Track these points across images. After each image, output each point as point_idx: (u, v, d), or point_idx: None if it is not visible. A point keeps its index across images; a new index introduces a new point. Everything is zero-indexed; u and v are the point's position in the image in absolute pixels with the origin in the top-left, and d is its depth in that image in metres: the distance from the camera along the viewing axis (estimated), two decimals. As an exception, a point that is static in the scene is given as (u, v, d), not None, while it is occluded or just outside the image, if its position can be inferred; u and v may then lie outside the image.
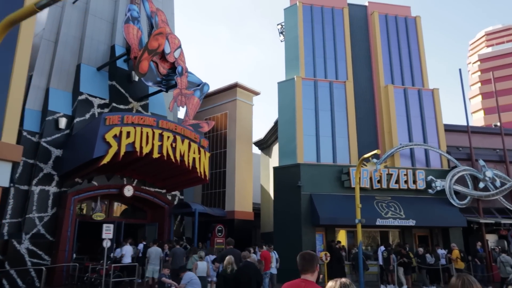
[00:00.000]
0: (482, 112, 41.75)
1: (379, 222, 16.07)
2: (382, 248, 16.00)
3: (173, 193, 18.78)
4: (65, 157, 15.05)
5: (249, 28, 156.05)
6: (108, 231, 11.97)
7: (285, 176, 17.62)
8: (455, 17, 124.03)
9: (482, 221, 17.48)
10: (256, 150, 28.04)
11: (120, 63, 17.64)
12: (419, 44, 21.41)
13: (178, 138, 15.11)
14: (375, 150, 14.29)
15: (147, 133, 14.01)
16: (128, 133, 13.55)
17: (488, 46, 45.87)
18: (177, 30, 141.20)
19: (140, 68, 15.36)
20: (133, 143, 13.58)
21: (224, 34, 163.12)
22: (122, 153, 13.27)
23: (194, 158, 15.62)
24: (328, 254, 13.29)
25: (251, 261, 6.71)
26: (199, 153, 15.93)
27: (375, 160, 17.47)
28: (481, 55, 44.68)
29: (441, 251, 16.43)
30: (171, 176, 17.11)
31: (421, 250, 15.36)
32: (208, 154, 16.52)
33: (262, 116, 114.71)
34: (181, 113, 19.50)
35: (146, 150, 13.84)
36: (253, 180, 26.21)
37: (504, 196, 18.63)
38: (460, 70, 20.80)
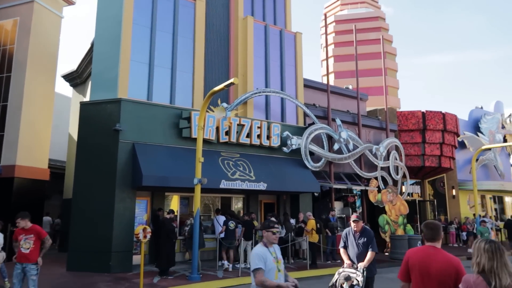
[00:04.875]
0: (332, 75, 43.40)
1: (223, 184, 12.87)
2: (222, 217, 13.10)
3: None
4: None
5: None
6: None
7: (98, 115, 12.68)
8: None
9: (335, 186, 16.12)
10: (68, 91, 21.58)
11: None
12: (284, -23, 18.66)
13: None
14: (228, 86, 10.76)
15: None
16: None
17: (342, 10, 48.09)
18: None
19: None
20: None
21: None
22: None
23: None
24: (149, 230, 9.26)
25: None
26: None
27: (224, 104, 14.06)
28: (337, 16, 46.34)
29: (291, 221, 14.32)
30: None
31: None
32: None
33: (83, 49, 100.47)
34: None
35: None
36: (60, 130, 19.99)
37: (354, 161, 17.80)
38: (325, 15, 18.92)
